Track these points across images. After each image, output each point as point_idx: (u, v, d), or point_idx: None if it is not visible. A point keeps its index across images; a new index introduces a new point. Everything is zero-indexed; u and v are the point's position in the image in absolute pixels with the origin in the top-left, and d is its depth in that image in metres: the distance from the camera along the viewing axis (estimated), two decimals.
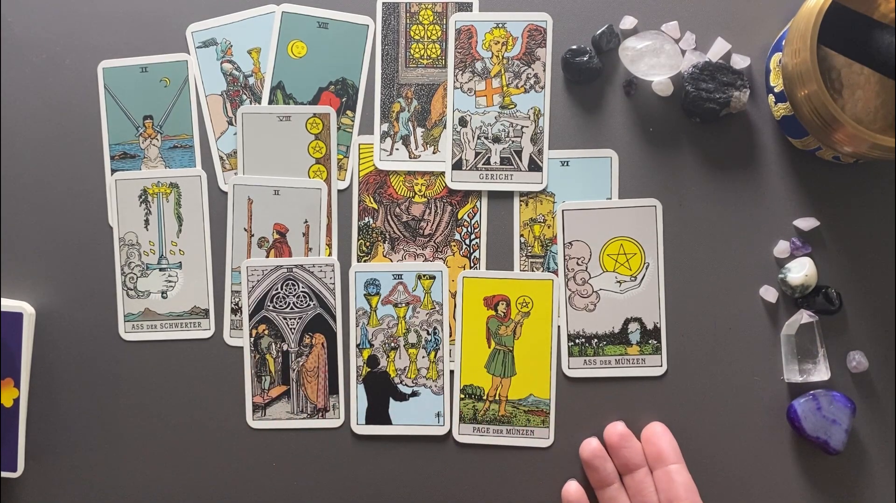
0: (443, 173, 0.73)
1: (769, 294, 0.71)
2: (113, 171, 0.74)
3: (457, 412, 0.72)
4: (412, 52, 0.74)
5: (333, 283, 0.73)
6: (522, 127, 0.73)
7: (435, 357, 0.73)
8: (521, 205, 0.73)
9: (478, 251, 0.73)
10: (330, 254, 0.74)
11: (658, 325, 0.72)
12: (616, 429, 0.69)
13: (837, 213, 0.72)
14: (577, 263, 0.72)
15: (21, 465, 0.73)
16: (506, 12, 0.73)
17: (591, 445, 0.70)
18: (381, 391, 0.73)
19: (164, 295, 0.74)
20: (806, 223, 0.71)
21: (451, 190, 0.73)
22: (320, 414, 0.73)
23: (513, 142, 0.73)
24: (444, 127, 0.73)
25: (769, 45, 0.72)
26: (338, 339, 0.73)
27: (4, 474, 0.72)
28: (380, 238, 0.74)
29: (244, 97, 0.74)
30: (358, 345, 0.73)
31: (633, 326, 0.72)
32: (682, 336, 0.72)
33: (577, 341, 0.72)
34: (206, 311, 0.74)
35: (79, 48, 0.75)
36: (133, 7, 0.75)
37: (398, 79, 0.74)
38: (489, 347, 0.73)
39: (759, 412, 0.71)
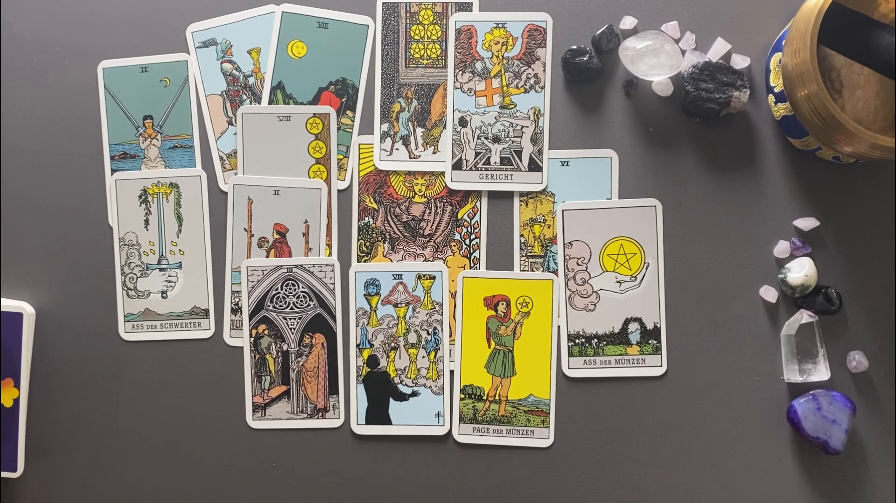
0: (443, 173, 0.73)
1: (769, 294, 0.71)
2: (113, 171, 0.74)
3: (457, 412, 0.72)
4: (412, 52, 0.74)
5: (333, 283, 0.73)
6: (522, 127, 0.73)
7: (435, 357, 0.73)
8: (521, 205, 0.73)
9: (478, 251, 0.73)
10: (330, 254, 0.74)
11: (658, 325, 0.72)
12: None
13: (837, 213, 0.72)
14: (577, 263, 0.72)
15: (21, 465, 0.73)
16: (506, 12, 0.73)
17: None
18: (381, 391, 0.73)
19: (164, 295, 0.74)
20: (806, 223, 0.71)
21: (451, 190, 0.73)
22: (320, 414, 0.73)
23: (513, 142, 0.73)
24: (444, 127, 0.73)
25: (769, 45, 0.72)
26: (338, 339, 0.73)
27: (4, 474, 0.72)
28: (380, 238, 0.74)
29: (244, 97, 0.74)
30: (358, 345, 0.73)
31: (633, 326, 0.72)
32: (682, 336, 0.72)
33: (577, 341, 0.72)
34: (206, 311, 0.74)
35: (79, 48, 0.75)
36: (133, 7, 0.75)
37: (398, 79, 0.74)
38: (489, 347, 0.73)
39: (759, 412, 0.71)
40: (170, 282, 0.74)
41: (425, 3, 0.74)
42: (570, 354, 0.72)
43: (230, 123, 0.74)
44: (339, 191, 0.74)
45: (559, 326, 0.72)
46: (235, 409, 0.73)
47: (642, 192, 0.72)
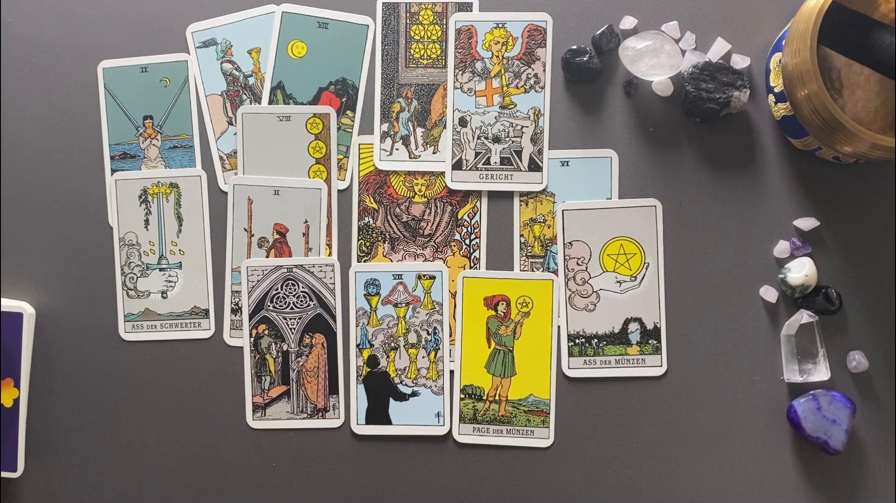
0: (443, 173, 0.73)
1: (769, 294, 0.71)
2: (113, 171, 0.74)
3: (457, 412, 0.72)
4: (412, 52, 0.74)
5: (333, 283, 0.73)
6: (522, 127, 0.73)
7: (435, 357, 0.73)
8: (521, 205, 0.73)
9: (478, 251, 0.73)
10: (330, 254, 0.74)
11: (658, 325, 0.72)
12: None
13: (837, 213, 0.72)
14: (577, 263, 0.72)
15: (21, 465, 0.73)
16: (506, 12, 0.73)
17: None
18: (381, 391, 0.73)
19: (164, 295, 0.74)
20: (806, 223, 0.71)
21: (451, 190, 0.73)
22: (320, 414, 0.73)
23: (513, 142, 0.73)
24: (444, 127, 0.73)
25: (769, 45, 0.72)
26: (338, 339, 0.73)
27: (4, 474, 0.72)
28: (380, 238, 0.74)
29: (244, 97, 0.74)
30: (358, 345, 0.73)
31: (633, 326, 0.72)
32: (682, 336, 0.72)
33: (577, 341, 0.72)
34: (206, 311, 0.74)
35: (79, 48, 0.75)
36: (133, 7, 0.75)
37: (398, 79, 0.74)
38: (489, 347, 0.73)
39: (759, 412, 0.71)
40: (170, 282, 0.74)
41: (425, 3, 0.74)
42: (570, 354, 0.72)
43: (230, 123, 0.74)
44: (339, 191, 0.74)
45: (559, 326, 0.72)
46: (235, 409, 0.73)
47: (642, 192, 0.72)
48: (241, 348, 0.74)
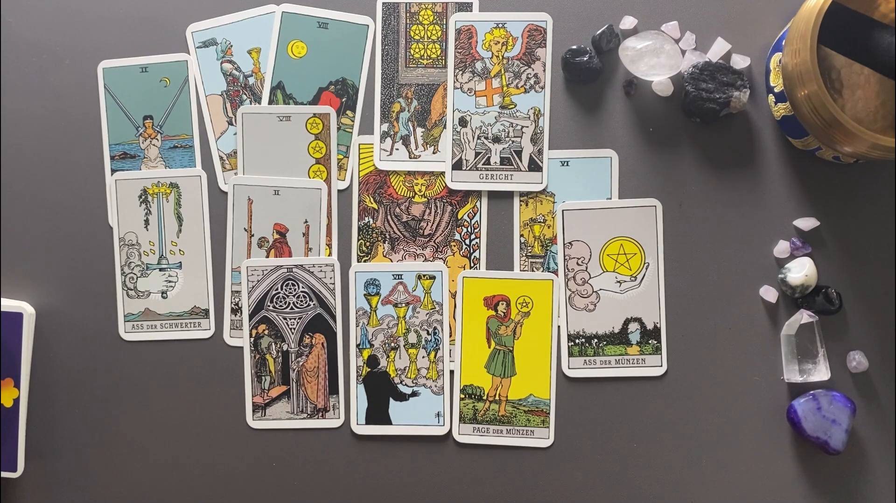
0: (443, 173, 0.73)
1: (769, 294, 0.71)
2: (113, 171, 0.74)
3: (457, 412, 0.72)
4: (412, 52, 0.74)
5: (333, 283, 0.73)
6: (522, 127, 0.73)
7: (435, 357, 0.73)
8: (521, 205, 0.73)
9: (478, 251, 0.73)
10: (330, 254, 0.74)
11: (658, 325, 0.72)
12: None
13: (837, 213, 0.72)
14: (577, 263, 0.72)
15: (21, 465, 0.73)
16: (506, 12, 0.73)
17: None
18: (381, 391, 0.73)
19: (164, 295, 0.74)
20: (806, 223, 0.71)
21: (451, 190, 0.73)
22: (320, 414, 0.73)
23: (513, 142, 0.73)
24: (444, 127, 0.73)
25: (769, 45, 0.72)
26: (338, 339, 0.73)
27: (4, 474, 0.72)
28: (380, 238, 0.74)
29: (244, 97, 0.74)
30: (358, 345, 0.73)
31: (633, 326, 0.72)
32: (682, 336, 0.72)
33: (577, 341, 0.72)
34: (206, 311, 0.74)
35: (79, 48, 0.75)
36: (133, 7, 0.75)
37: (398, 79, 0.74)
38: (489, 347, 0.73)
39: (759, 412, 0.71)
40: (170, 282, 0.74)
41: (425, 3, 0.74)
42: (570, 354, 0.72)
43: (230, 123, 0.74)
44: (339, 191, 0.74)
45: (559, 326, 0.72)
46: (235, 409, 0.73)
47: (642, 192, 0.72)
48: (241, 348, 0.74)
